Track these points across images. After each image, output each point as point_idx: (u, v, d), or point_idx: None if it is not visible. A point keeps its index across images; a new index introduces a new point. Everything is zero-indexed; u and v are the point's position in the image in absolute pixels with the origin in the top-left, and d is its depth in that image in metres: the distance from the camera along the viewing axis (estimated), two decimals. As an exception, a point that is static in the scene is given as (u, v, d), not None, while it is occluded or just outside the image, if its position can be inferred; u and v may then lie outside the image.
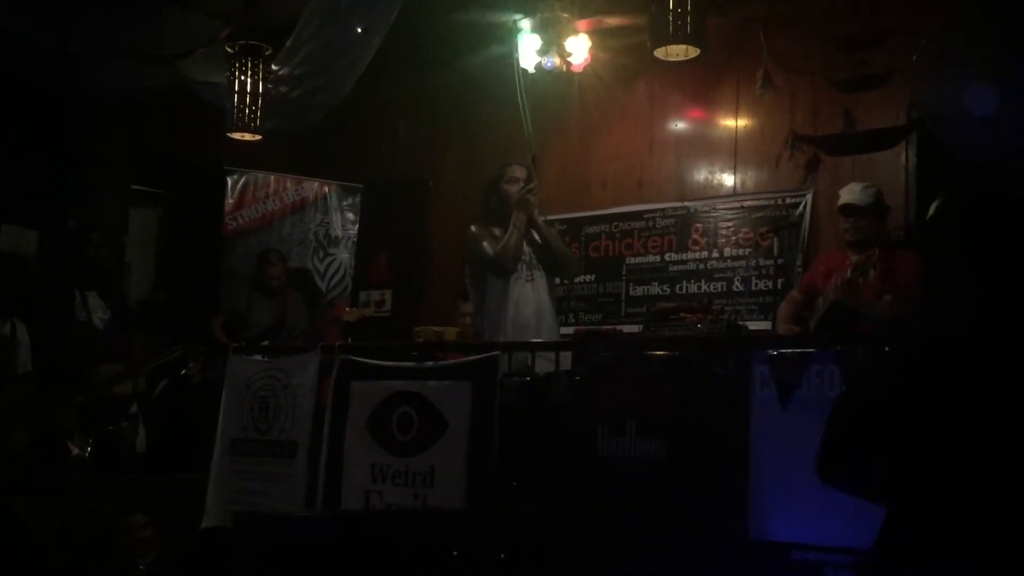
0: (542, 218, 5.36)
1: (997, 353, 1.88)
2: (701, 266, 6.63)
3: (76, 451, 5.57)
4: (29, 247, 6.92)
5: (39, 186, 6.99)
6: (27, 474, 5.24)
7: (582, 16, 6.33)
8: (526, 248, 5.25)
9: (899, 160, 5.87)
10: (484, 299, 5.25)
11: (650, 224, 6.88)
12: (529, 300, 5.20)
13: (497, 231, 5.23)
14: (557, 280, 5.58)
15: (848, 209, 5.17)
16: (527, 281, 5.23)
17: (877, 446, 1.94)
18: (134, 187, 7.83)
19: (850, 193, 5.21)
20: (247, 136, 5.95)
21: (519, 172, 5.33)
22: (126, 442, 5.88)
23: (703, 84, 6.68)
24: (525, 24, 6.31)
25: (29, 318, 5.82)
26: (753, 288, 6.36)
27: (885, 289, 4.80)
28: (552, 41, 6.28)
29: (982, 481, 1.83)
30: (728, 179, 6.66)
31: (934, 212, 2.08)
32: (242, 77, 5.82)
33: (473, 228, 5.30)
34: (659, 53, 4.56)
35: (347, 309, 7.17)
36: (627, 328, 6.40)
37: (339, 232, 7.92)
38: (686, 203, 6.75)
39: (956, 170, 4.96)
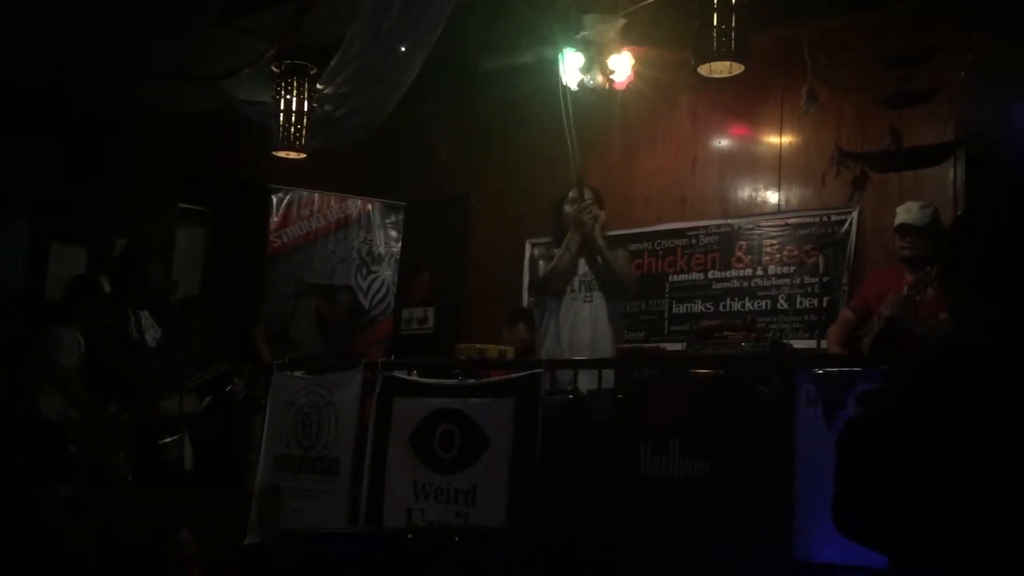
0: (602, 237, 5.33)
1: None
2: (745, 284, 6.58)
3: (122, 467, 5.63)
4: (78, 265, 7.01)
5: (86, 204, 7.08)
6: (73, 490, 5.30)
7: (625, 34, 6.32)
8: (585, 268, 5.24)
9: (947, 177, 5.79)
10: (543, 319, 5.26)
11: (693, 241, 6.85)
12: (586, 321, 5.19)
13: (556, 252, 5.25)
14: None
15: (905, 229, 5.11)
16: (584, 302, 5.22)
17: (891, 493, 1.73)
18: (180, 205, 7.92)
19: (907, 213, 5.15)
20: (292, 154, 6.01)
21: (576, 194, 5.34)
22: (172, 458, 5.93)
23: (747, 101, 6.64)
24: (568, 42, 6.32)
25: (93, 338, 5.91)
26: (798, 306, 6.30)
27: (942, 308, 4.72)
28: (595, 59, 6.28)
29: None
30: (772, 196, 6.61)
31: (956, 224, 1.99)
32: (288, 96, 5.88)
33: (535, 250, 5.33)
34: (703, 70, 4.53)
35: None
36: (670, 346, 6.36)
37: (382, 250, 7.95)
38: (730, 220, 6.71)
39: (1005, 186, 4.89)
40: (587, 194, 5.33)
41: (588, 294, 5.24)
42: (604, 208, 5.42)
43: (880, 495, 1.75)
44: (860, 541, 1.82)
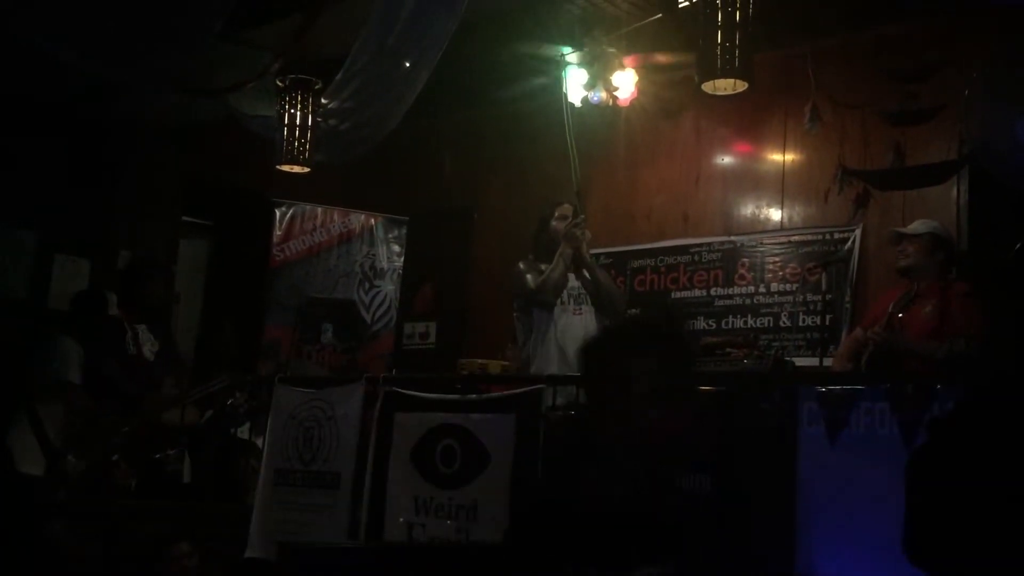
0: (591, 253, 5.37)
1: None
2: (747, 301, 6.57)
3: (122, 479, 5.62)
4: (81, 276, 7.02)
5: (90, 216, 7.10)
6: (72, 500, 5.28)
7: (629, 51, 6.34)
8: (576, 282, 5.26)
9: (951, 195, 5.79)
10: (531, 332, 5.26)
11: (696, 258, 6.85)
12: (577, 333, 5.19)
13: (544, 267, 5.26)
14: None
15: (898, 237, 5.12)
16: (575, 315, 5.23)
17: (965, 523, 1.66)
18: (184, 218, 7.93)
19: (908, 226, 5.17)
20: (296, 168, 6.02)
21: (568, 210, 5.38)
22: (172, 471, 5.91)
23: (750, 118, 6.65)
24: (572, 58, 6.34)
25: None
26: (800, 324, 6.29)
27: (940, 326, 4.71)
28: (599, 75, 6.30)
29: None
30: (775, 213, 6.61)
31: (1014, 256, 1.95)
32: (292, 110, 5.90)
33: (520, 264, 5.34)
34: (707, 87, 4.54)
35: None
36: (673, 363, 6.34)
37: (385, 264, 7.96)
38: (732, 237, 6.71)
39: (1009, 205, 4.90)
40: (579, 210, 5.38)
41: (578, 307, 5.26)
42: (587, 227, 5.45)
43: (953, 525, 1.69)
44: (933, 572, 1.75)
